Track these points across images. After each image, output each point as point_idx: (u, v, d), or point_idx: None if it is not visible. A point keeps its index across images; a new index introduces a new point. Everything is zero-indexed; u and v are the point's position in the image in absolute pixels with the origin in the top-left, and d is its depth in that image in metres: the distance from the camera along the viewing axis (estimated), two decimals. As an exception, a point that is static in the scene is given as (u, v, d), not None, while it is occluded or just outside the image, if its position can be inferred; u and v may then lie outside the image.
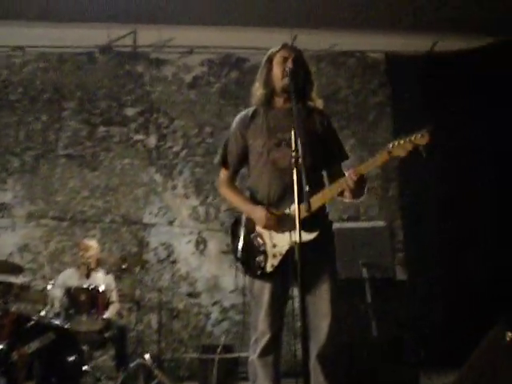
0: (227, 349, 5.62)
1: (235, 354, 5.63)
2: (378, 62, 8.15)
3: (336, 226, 4.78)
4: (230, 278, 7.08)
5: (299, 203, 2.48)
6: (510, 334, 1.61)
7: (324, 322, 2.92)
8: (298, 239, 2.43)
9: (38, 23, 7.43)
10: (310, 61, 7.84)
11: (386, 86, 8.08)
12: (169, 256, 7.30)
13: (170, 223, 7.44)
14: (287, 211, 2.95)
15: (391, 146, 2.89)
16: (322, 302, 2.93)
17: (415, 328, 4.77)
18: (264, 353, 2.98)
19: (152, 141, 7.64)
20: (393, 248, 5.15)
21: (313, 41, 7.90)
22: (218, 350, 5.32)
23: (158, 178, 7.54)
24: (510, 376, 1.62)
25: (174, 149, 7.64)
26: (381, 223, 4.92)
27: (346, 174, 2.92)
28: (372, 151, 7.74)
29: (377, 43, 7.98)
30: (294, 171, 2.46)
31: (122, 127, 7.62)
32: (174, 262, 7.18)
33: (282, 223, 2.94)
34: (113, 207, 7.38)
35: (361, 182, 2.91)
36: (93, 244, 6.08)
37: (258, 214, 2.99)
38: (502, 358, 1.63)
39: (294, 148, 2.51)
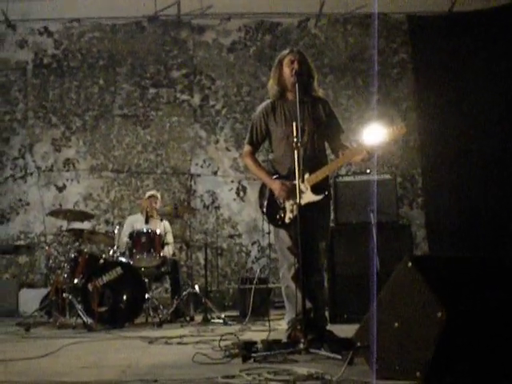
0: (262, 281, 6.44)
1: (269, 285, 6.53)
2: (400, 23, 8.71)
3: (350, 179, 5.65)
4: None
5: (299, 177, 3.44)
6: (410, 263, 2.42)
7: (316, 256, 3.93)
8: (299, 201, 3.41)
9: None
10: (337, 23, 8.52)
11: (408, 45, 8.63)
12: (213, 202, 8.25)
13: (214, 173, 8.37)
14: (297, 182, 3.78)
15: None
16: (315, 242, 3.91)
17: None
18: (296, 277, 3.85)
19: (196, 100, 8.50)
20: (397, 197, 5.81)
21: (340, 4, 8.53)
22: (254, 281, 6.14)
23: (202, 133, 8.44)
24: (411, 292, 2.40)
25: (216, 107, 8.50)
26: (388, 176, 5.62)
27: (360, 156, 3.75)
28: (395, 105, 8.46)
29: (399, 5, 8.51)
30: (296, 154, 3.38)
31: (169, 89, 8.48)
32: (217, 207, 8.05)
33: (293, 191, 3.77)
34: (163, 160, 8.34)
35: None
36: (159, 196, 6.91)
37: (274, 185, 3.92)
38: (406, 279, 2.44)
39: (295, 137, 3.41)
